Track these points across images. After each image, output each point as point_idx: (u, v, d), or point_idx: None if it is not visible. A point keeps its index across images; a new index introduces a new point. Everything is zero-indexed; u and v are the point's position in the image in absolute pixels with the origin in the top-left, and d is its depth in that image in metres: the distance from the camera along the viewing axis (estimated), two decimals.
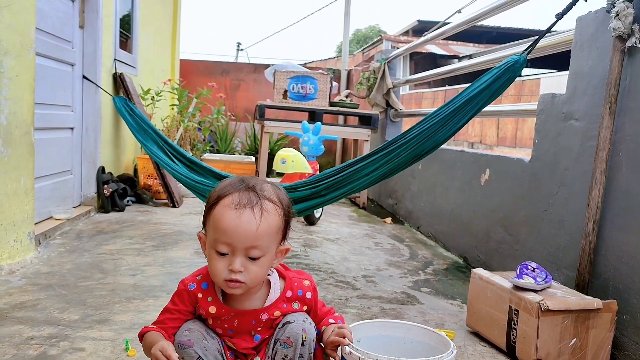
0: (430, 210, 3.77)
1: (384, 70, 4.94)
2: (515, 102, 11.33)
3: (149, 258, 2.73)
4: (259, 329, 1.26)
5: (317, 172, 3.82)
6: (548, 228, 2.28)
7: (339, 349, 1.24)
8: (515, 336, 1.77)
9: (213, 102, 6.01)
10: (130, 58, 4.77)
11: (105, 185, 3.80)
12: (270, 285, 1.28)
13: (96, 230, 3.29)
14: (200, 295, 1.25)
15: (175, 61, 6.80)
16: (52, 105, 3.24)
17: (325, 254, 3.10)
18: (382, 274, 2.76)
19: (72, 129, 3.62)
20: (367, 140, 4.82)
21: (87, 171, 3.79)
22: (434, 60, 14.49)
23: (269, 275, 1.28)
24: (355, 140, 5.60)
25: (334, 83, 5.39)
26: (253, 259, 1.17)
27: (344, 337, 1.21)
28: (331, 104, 4.98)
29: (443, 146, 2.59)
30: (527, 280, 1.80)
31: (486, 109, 2.39)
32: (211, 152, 6.19)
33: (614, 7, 1.87)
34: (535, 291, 1.77)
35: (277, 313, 1.25)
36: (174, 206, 4.23)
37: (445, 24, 4.30)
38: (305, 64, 11.54)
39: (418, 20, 16.42)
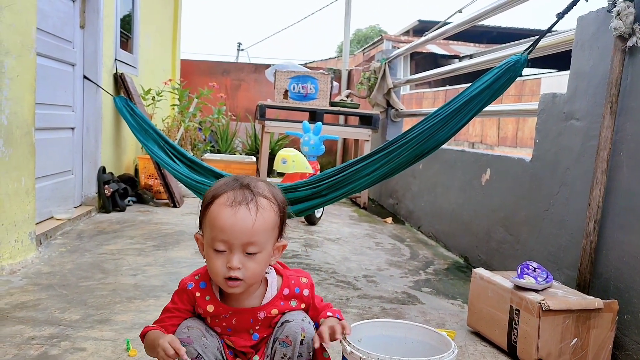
0: (431, 210, 3.77)
1: (384, 70, 4.94)
2: (516, 101, 11.32)
3: (150, 258, 2.73)
4: (257, 327, 1.26)
5: (318, 172, 3.82)
6: (549, 228, 2.28)
7: (342, 347, 1.24)
8: (516, 336, 1.77)
9: (214, 102, 6.01)
10: (131, 58, 4.77)
11: (106, 185, 3.80)
12: (267, 283, 1.28)
13: (97, 230, 3.29)
14: (198, 294, 1.26)
15: (176, 61, 6.80)
16: (52, 106, 3.24)
17: (326, 253, 3.10)
18: (383, 273, 2.76)
19: (72, 129, 3.62)
20: (367, 140, 4.82)
21: (88, 171, 3.79)
22: (435, 60, 14.49)
23: (266, 273, 1.28)
24: (356, 140, 5.60)
25: (335, 83, 5.39)
26: (250, 254, 1.17)
27: (341, 331, 1.20)
28: (332, 104, 4.98)
29: (444, 146, 2.59)
30: (528, 280, 1.80)
31: (487, 108, 2.39)
32: (212, 152, 6.19)
33: (614, 6, 1.87)
34: (536, 291, 1.77)
35: (274, 311, 1.25)
36: (174, 206, 4.23)
37: (445, 23, 4.30)
38: (306, 64, 11.54)
39: (419, 20, 16.42)
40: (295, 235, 3.52)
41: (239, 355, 1.28)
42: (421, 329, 1.39)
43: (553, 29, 2.21)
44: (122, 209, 3.90)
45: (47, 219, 3.17)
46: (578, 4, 2.11)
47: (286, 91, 4.86)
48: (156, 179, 4.32)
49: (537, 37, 2.26)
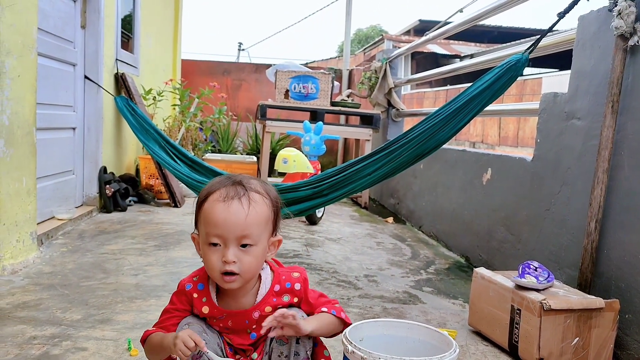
0: (432, 209, 3.77)
1: (385, 69, 4.94)
2: (517, 101, 11.32)
3: (151, 258, 2.73)
4: (253, 326, 1.26)
5: (319, 172, 3.83)
6: (550, 227, 2.28)
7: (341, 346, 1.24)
8: (518, 335, 1.77)
9: (215, 102, 6.01)
10: (132, 58, 4.77)
11: (107, 185, 3.81)
12: (262, 280, 1.29)
13: (98, 230, 3.29)
14: (195, 296, 1.27)
15: (176, 61, 6.80)
16: (53, 106, 3.25)
17: (327, 253, 3.10)
18: (384, 273, 2.76)
19: (73, 129, 3.63)
20: (368, 140, 4.82)
21: (89, 171, 3.79)
22: (436, 60, 14.48)
23: (262, 269, 1.28)
24: (357, 140, 5.60)
25: (336, 83, 5.39)
26: (245, 248, 1.18)
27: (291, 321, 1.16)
28: (333, 103, 4.98)
29: (445, 146, 2.59)
30: (529, 280, 1.79)
31: (488, 108, 2.39)
32: (213, 152, 6.20)
33: (616, 5, 1.87)
34: (537, 290, 1.77)
35: (268, 309, 1.25)
36: (175, 206, 4.24)
37: (446, 23, 4.30)
38: (307, 63, 11.54)
39: (419, 20, 16.41)
40: (296, 235, 3.52)
41: (238, 352, 1.28)
42: (422, 329, 1.39)
43: (554, 29, 2.20)
44: (123, 209, 3.91)
45: (49, 219, 3.18)
46: (579, 3, 2.10)
47: (287, 91, 4.86)
48: (157, 178, 4.33)
49: (538, 36, 2.26)
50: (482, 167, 3.02)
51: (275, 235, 1.28)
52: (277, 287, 1.27)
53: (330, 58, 16.63)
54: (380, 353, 1.19)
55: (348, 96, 5.54)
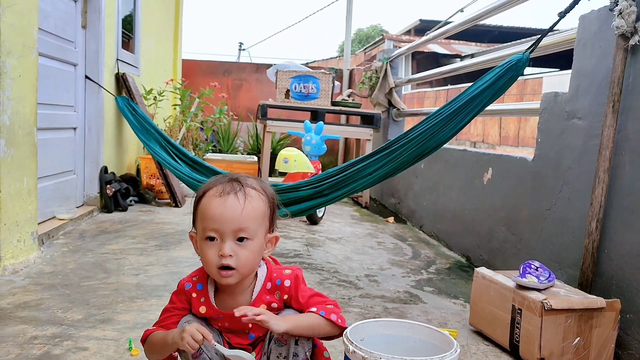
0: (432, 209, 3.77)
1: (386, 69, 4.94)
2: (517, 101, 11.31)
3: (152, 258, 2.74)
4: (250, 326, 1.26)
5: (320, 172, 3.82)
6: (551, 227, 2.27)
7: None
8: (519, 335, 1.77)
9: (215, 102, 6.01)
10: (133, 58, 4.77)
11: (108, 185, 3.81)
12: (257, 278, 1.28)
13: (99, 230, 3.29)
14: (194, 295, 1.27)
15: (177, 61, 6.81)
16: (54, 106, 3.25)
17: (327, 253, 3.10)
18: (384, 273, 2.76)
19: (74, 129, 3.63)
20: (369, 140, 4.82)
21: (89, 171, 3.79)
22: (436, 60, 14.48)
23: (259, 267, 1.28)
24: (358, 140, 5.60)
25: (336, 82, 5.39)
26: (241, 242, 1.18)
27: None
28: (333, 103, 4.98)
29: (445, 145, 2.59)
30: (530, 280, 1.79)
31: (488, 108, 2.39)
32: (213, 151, 6.20)
33: (616, 5, 1.87)
34: (538, 290, 1.76)
35: (262, 307, 1.25)
36: (176, 206, 4.24)
37: (447, 23, 4.30)
38: (308, 63, 11.54)
39: (420, 20, 16.40)
40: (297, 235, 3.52)
41: None
42: (423, 328, 1.39)
43: (555, 28, 2.20)
44: (124, 209, 3.91)
45: (49, 219, 3.18)
46: (580, 3, 2.10)
47: (288, 91, 4.86)
48: (158, 178, 4.33)
49: (539, 36, 2.26)
50: (483, 167, 3.02)
51: (272, 232, 1.28)
52: (269, 285, 1.26)
53: (331, 58, 16.64)
54: (381, 353, 1.19)
55: (349, 96, 5.54)
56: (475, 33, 15.06)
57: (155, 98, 4.66)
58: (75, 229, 3.27)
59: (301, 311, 1.25)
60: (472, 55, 13.66)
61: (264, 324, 1.14)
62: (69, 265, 2.53)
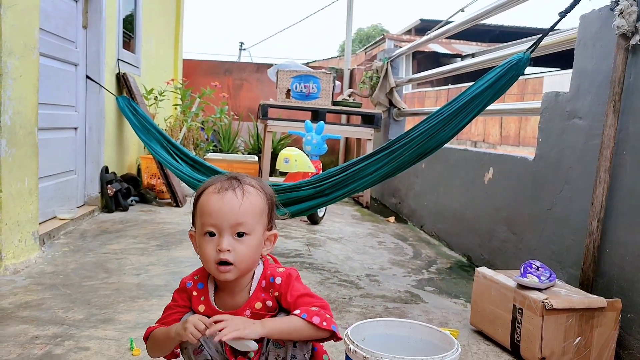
0: (433, 209, 3.77)
1: (386, 69, 4.94)
2: (518, 100, 11.31)
3: (153, 257, 2.74)
4: None
5: (320, 172, 3.82)
6: (552, 227, 2.27)
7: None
8: (520, 335, 1.77)
9: (216, 102, 6.01)
10: (133, 58, 4.78)
11: (109, 185, 3.81)
12: (254, 277, 1.29)
13: (100, 229, 3.30)
14: (194, 294, 1.28)
15: (178, 61, 6.81)
16: (55, 106, 3.25)
17: (328, 253, 3.10)
18: (385, 273, 2.76)
19: (75, 129, 3.63)
20: (370, 140, 4.82)
21: (90, 171, 3.80)
22: (437, 59, 14.47)
23: (258, 266, 1.28)
24: (358, 140, 5.60)
25: (337, 82, 5.39)
26: (240, 238, 1.19)
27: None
28: (334, 103, 4.98)
29: (446, 145, 2.59)
30: (531, 279, 1.79)
31: (489, 107, 2.39)
32: (214, 151, 6.20)
33: (617, 5, 1.87)
34: (539, 290, 1.76)
35: (258, 305, 1.25)
36: (177, 206, 4.24)
37: (447, 22, 4.30)
38: (308, 63, 11.55)
39: (420, 19, 16.40)
40: (297, 235, 3.52)
41: (237, 352, 1.28)
42: (424, 328, 1.39)
43: (555, 28, 2.20)
44: (125, 209, 3.91)
45: (50, 219, 3.18)
46: (580, 2, 2.10)
47: (288, 90, 4.86)
48: (159, 178, 4.33)
49: (540, 35, 2.26)
50: (483, 167, 3.02)
51: (271, 230, 1.28)
52: (264, 283, 1.26)
53: (332, 57, 16.64)
54: (382, 352, 1.20)
55: (349, 95, 5.54)
56: (476, 33, 15.05)
57: (156, 98, 4.66)
58: (76, 228, 3.27)
59: (289, 311, 1.24)
60: (472, 55, 13.65)
61: (240, 338, 1.12)
62: (70, 265, 2.53)
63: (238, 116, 7.09)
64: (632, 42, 1.84)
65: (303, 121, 4.30)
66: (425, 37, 4.41)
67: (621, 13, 1.84)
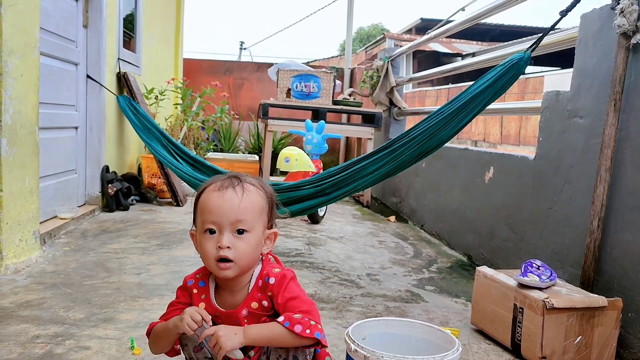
0: (434, 208, 3.77)
1: (387, 68, 4.93)
2: (518, 99, 11.30)
3: (154, 257, 2.74)
4: (245, 322, 1.26)
5: (321, 171, 3.83)
6: (553, 226, 2.27)
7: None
8: (520, 334, 1.77)
9: (216, 101, 6.02)
10: (134, 57, 4.78)
11: (110, 185, 3.81)
12: (253, 276, 1.29)
13: (101, 229, 3.30)
14: (195, 291, 1.29)
15: (178, 60, 6.81)
16: (56, 105, 3.25)
17: (329, 252, 3.10)
18: (386, 272, 2.76)
19: (76, 128, 3.63)
20: (370, 139, 4.82)
21: (91, 170, 3.80)
22: (437, 58, 14.46)
23: (257, 264, 1.29)
24: (359, 139, 5.60)
25: (337, 81, 5.39)
26: (240, 235, 1.20)
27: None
28: (334, 102, 4.98)
29: (447, 144, 2.59)
30: (531, 278, 1.79)
31: (490, 106, 2.39)
32: (215, 151, 6.20)
33: (618, 4, 1.87)
34: (540, 289, 1.76)
35: (254, 304, 1.25)
36: (178, 205, 4.24)
37: (448, 21, 4.30)
38: (309, 62, 11.54)
39: (421, 19, 16.39)
40: (298, 234, 3.52)
41: None
42: (425, 327, 1.39)
43: (556, 27, 2.20)
44: (126, 208, 3.91)
45: (51, 218, 3.18)
46: (581, 1, 2.10)
47: (289, 90, 4.86)
48: (159, 178, 4.33)
49: (541, 34, 2.26)
50: (484, 166, 3.02)
51: (271, 229, 1.29)
52: (260, 282, 1.26)
53: (332, 57, 16.62)
54: (383, 352, 1.20)
55: (350, 95, 5.54)
56: (477, 32, 15.04)
57: (156, 97, 4.66)
58: (77, 228, 3.27)
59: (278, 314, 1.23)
60: (473, 54, 13.64)
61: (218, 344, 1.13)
62: (71, 265, 2.53)
63: (238, 115, 7.09)
64: (633, 41, 1.84)
65: (303, 120, 4.30)
66: (425, 36, 4.40)
67: (622, 12, 1.84)
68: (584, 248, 1.97)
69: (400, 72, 5.19)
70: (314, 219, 3.92)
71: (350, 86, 6.97)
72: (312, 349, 1.25)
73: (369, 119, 4.95)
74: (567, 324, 1.68)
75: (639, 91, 1.83)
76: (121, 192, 3.91)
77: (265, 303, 1.25)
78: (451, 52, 14.83)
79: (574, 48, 2.23)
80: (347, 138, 6.92)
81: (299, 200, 2.61)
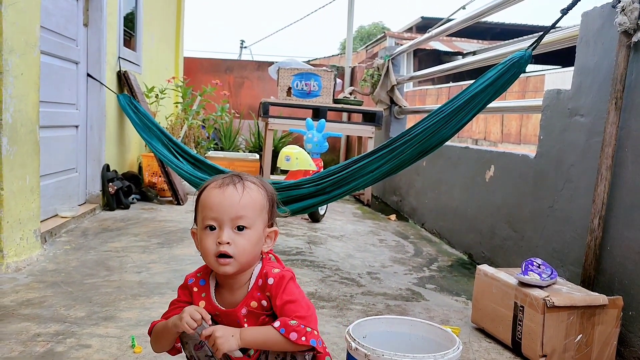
0: (434, 207, 3.77)
1: (387, 67, 4.93)
2: (519, 98, 11.29)
3: (154, 255, 2.74)
4: (244, 322, 1.26)
5: (322, 169, 3.82)
6: (553, 224, 2.27)
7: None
8: (521, 332, 1.77)
9: (217, 100, 6.02)
10: (134, 56, 4.77)
11: (110, 183, 3.81)
12: (253, 275, 1.28)
13: (101, 227, 3.30)
14: (195, 290, 1.29)
15: (179, 59, 6.81)
16: (56, 104, 3.25)
17: (329, 251, 3.10)
18: (386, 270, 2.76)
19: (76, 127, 3.63)
20: (371, 138, 4.82)
21: (92, 169, 3.80)
22: (438, 57, 14.45)
23: (257, 263, 1.29)
24: (359, 138, 5.60)
25: (338, 80, 5.39)
26: (240, 231, 1.20)
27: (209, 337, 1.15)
28: (335, 101, 4.98)
29: (447, 143, 2.59)
30: (532, 277, 1.79)
31: (490, 105, 2.39)
32: (215, 149, 6.20)
33: (619, 2, 1.86)
34: (540, 287, 1.76)
35: (253, 304, 1.24)
36: (178, 204, 4.24)
37: (449, 20, 4.29)
38: (309, 61, 11.53)
39: (422, 17, 16.37)
40: (299, 233, 3.53)
41: None
42: (425, 326, 1.40)
43: (557, 25, 2.20)
44: (126, 207, 3.91)
45: (52, 217, 3.19)
46: None
47: (289, 88, 4.86)
48: (160, 176, 4.33)
49: (542, 33, 2.25)
50: (485, 164, 3.02)
51: (272, 227, 1.29)
52: (260, 282, 1.26)
53: (333, 55, 16.61)
54: (383, 350, 1.20)
55: (350, 93, 5.54)
56: (477, 30, 15.03)
57: (157, 96, 4.66)
58: (78, 226, 3.28)
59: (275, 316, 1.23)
60: (474, 53, 13.62)
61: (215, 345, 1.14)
62: (72, 263, 2.53)
63: (239, 114, 7.09)
64: (634, 39, 1.83)
65: (304, 119, 4.30)
66: (426, 35, 4.40)
67: (623, 10, 1.84)
68: (585, 246, 1.97)
69: (401, 70, 5.19)
70: (315, 218, 3.92)
71: (351, 85, 6.97)
72: (311, 352, 1.25)
73: (369, 118, 4.95)
74: (567, 323, 1.68)
75: (639, 89, 1.83)
76: (122, 190, 3.91)
77: (264, 303, 1.25)
78: (452, 50, 14.82)
79: (574, 46, 2.23)
80: (348, 137, 6.91)
81: (300, 199, 2.61)
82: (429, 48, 13.87)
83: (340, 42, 32.38)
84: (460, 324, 2.06)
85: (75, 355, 1.61)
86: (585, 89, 2.13)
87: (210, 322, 1.17)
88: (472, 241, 3.10)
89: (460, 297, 2.40)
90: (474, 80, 2.35)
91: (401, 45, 5.20)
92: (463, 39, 15.14)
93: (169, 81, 5.35)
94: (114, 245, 2.89)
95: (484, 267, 2.02)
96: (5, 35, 2.27)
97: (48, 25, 3.02)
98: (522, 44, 2.76)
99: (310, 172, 3.75)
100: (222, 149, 6.55)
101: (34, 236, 2.57)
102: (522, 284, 1.80)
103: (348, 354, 1.26)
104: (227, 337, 1.15)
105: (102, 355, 1.62)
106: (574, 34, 2.28)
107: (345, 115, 6.63)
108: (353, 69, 7.24)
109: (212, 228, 1.21)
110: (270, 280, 1.23)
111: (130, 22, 4.72)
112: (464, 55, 14.43)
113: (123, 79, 4.22)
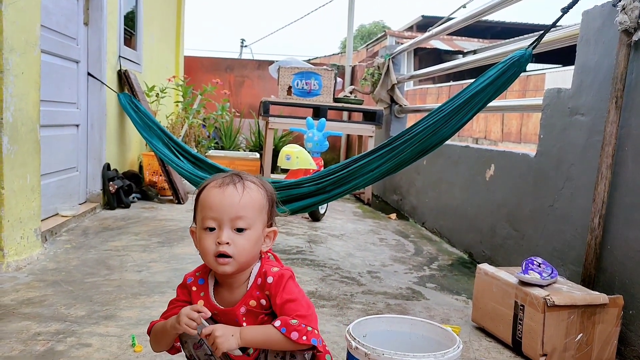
0: (435, 206, 3.77)
1: (388, 66, 4.93)
2: (520, 97, 11.28)
3: (155, 254, 2.74)
4: (244, 321, 1.26)
5: (322, 169, 3.82)
6: (554, 223, 2.27)
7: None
8: (521, 331, 1.77)
9: (217, 99, 6.02)
10: (135, 55, 4.77)
11: (111, 182, 3.81)
12: (252, 274, 1.28)
13: (102, 226, 3.30)
14: (194, 289, 1.29)
15: (179, 58, 6.81)
16: (57, 103, 3.25)
17: (330, 250, 3.10)
18: (387, 269, 2.76)
19: (77, 126, 3.63)
20: (371, 136, 4.82)
21: (92, 168, 3.80)
22: (439, 56, 14.44)
23: (256, 262, 1.28)
24: (360, 137, 5.60)
25: (338, 79, 5.39)
26: (239, 232, 1.20)
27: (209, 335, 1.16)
28: (335, 100, 4.98)
29: (448, 142, 2.59)
30: (532, 276, 1.79)
31: (491, 104, 2.39)
32: (216, 148, 6.20)
33: (620, 1, 1.86)
34: (541, 286, 1.76)
35: (252, 302, 1.24)
36: (179, 202, 4.24)
37: (449, 19, 4.29)
38: (310, 60, 11.52)
39: (422, 16, 16.36)
40: (299, 232, 3.53)
41: None
42: (426, 325, 1.40)
43: (558, 24, 2.20)
44: (127, 206, 3.92)
45: (52, 216, 3.19)
46: None
47: (290, 87, 4.85)
48: (160, 175, 4.33)
49: (542, 32, 2.25)
50: (485, 163, 3.02)
51: (271, 227, 1.29)
52: (259, 281, 1.26)
53: (333, 54, 16.59)
54: (383, 349, 1.20)
55: (351, 92, 5.54)
56: (478, 29, 15.02)
57: (157, 95, 4.67)
58: (78, 225, 3.28)
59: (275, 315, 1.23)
60: (474, 52, 13.61)
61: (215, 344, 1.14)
62: (72, 262, 2.53)
63: (239, 113, 7.09)
64: (635, 38, 1.83)
65: (304, 118, 4.30)
66: (426, 34, 4.40)
67: (624, 9, 1.84)
68: (585, 245, 1.97)
69: (402, 69, 5.19)
70: (315, 217, 3.92)
71: (351, 84, 6.96)
72: (310, 351, 1.25)
73: (370, 117, 4.94)
74: (568, 322, 1.68)
75: None
76: (122, 189, 3.91)
77: (263, 302, 1.25)
78: (452, 49, 14.80)
79: (575, 45, 2.23)
80: (348, 136, 6.91)
81: (300, 198, 2.61)
82: (429, 47, 13.86)
83: (341, 40, 32.37)
84: (461, 323, 2.06)
85: (75, 354, 1.61)
86: (585, 87, 2.13)
87: (208, 314, 1.17)
88: (472, 240, 3.10)
89: (460, 296, 2.40)
90: (474, 79, 2.35)
91: (402, 44, 5.20)
92: (463, 37, 15.13)
93: (169, 80, 5.35)
94: (114, 244, 2.89)
95: (485, 266, 2.02)
96: (5, 34, 2.27)
97: (48, 24, 3.02)
98: (522, 43, 2.76)
99: (311, 171, 3.75)
100: (222, 148, 6.55)
101: (34, 235, 2.58)
102: (523, 283, 1.80)
103: (348, 353, 1.26)
104: (227, 337, 1.15)
105: (103, 354, 1.62)
106: (575, 33, 2.28)
107: (345, 114, 6.62)
108: (353, 68, 7.24)
109: (211, 229, 1.20)
110: (270, 279, 1.23)
111: (130, 21, 4.72)
112: (464, 54, 14.41)
113: (123, 78, 4.22)
